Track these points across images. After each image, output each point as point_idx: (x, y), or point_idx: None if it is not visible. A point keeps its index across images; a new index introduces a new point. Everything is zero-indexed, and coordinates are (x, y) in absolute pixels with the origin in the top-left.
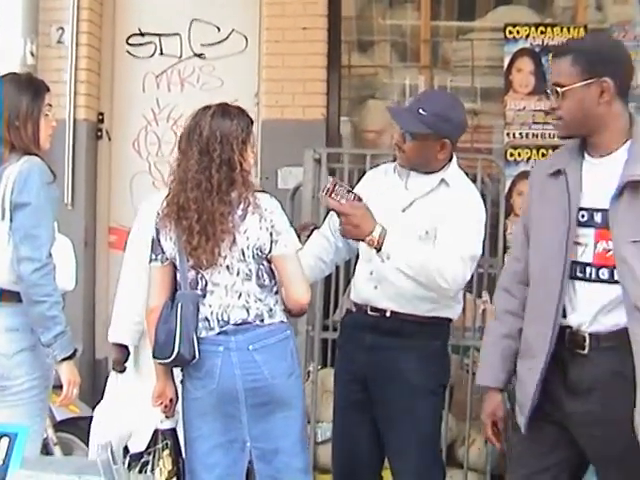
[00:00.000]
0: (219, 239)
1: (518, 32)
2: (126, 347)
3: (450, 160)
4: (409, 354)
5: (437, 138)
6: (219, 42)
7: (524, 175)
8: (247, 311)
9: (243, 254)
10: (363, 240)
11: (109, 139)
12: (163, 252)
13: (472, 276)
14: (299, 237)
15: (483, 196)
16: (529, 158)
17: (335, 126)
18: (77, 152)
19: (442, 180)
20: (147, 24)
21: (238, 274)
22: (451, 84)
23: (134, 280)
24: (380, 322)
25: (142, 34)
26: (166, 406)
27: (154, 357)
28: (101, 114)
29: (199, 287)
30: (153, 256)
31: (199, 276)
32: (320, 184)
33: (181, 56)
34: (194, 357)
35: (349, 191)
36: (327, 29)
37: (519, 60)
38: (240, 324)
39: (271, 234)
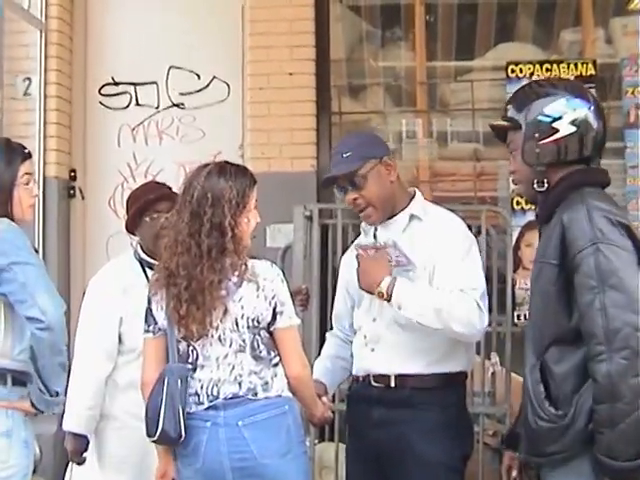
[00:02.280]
0: (210, 308)
1: (521, 70)
2: (85, 436)
3: (413, 198)
4: (422, 427)
5: (376, 163)
6: (199, 90)
7: (532, 225)
8: (239, 385)
9: (237, 324)
10: (372, 292)
11: (82, 197)
12: (156, 322)
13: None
14: (293, 302)
15: (489, 248)
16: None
17: None
18: (48, 212)
19: (411, 216)
20: (121, 72)
21: (231, 345)
22: (451, 128)
23: (85, 363)
24: (386, 394)
25: (116, 83)
26: None
27: (147, 436)
28: (73, 171)
29: (190, 360)
30: (146, 327)
31: (190, 348)
32: (312, 242)
33: (158, 106)
34: (180, 436)
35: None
36: (315, 74)
37: None
38: (230, 398)
39: (275, 305)
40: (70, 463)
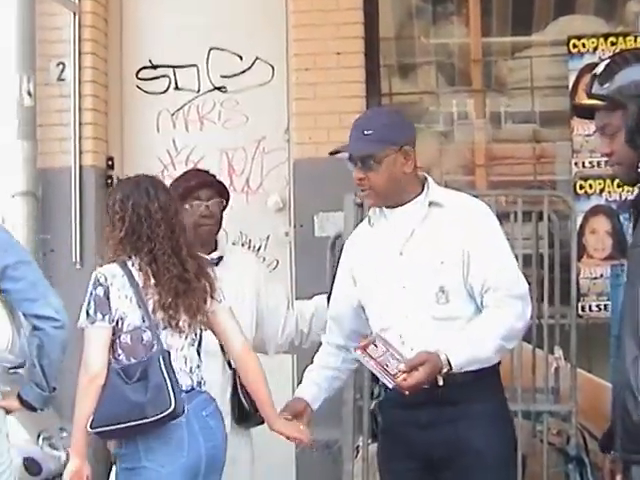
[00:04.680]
0: (194, 302)
1: (584, 45)
2: None
3: (425, 183)
4: (474, 422)
5: (396, 150)
6: (242, 72)
7: (597, 210)
8: (191, 378)
9: (195, 320)
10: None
11: None
12: (111, 312)
13: (542, 329)
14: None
15: (551, 236)
16: (602, 190)
17: None
18: (85, 203)
19: (431, 203)
20: (159, 55)
21: (186, 338)
22: (507, 109)
23: None
24: (433, 393)
25: (154, 66)
26: None
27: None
28: (110, 159)
29: (154, 349)
30: (99, 316)
31: (154, 337)
32: None
33: (199, 90)
34: (183, 411)
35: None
36: (364, 53)
37: (586, 77)
38: (189, 390)
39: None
40: (114, 466)
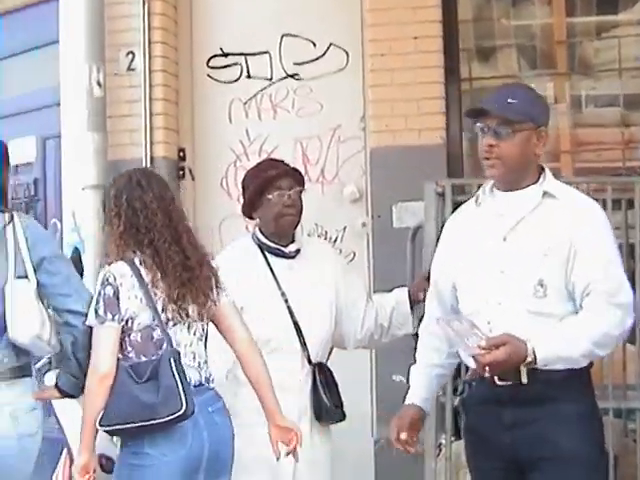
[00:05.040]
0: (200, 291)
1: None
2: None
3: (542, 172)
4: (560, 423)
5: (533, 128)
6: (315, 59)
7: None
8: (199, 373)
9: (204, 312)
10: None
11: (192, 178)
12: (120, 312)
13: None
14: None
15: None
16: None
17: (457, 151)
18: None
19: (545, 193)
20: (230, 42)
21: (195, 333)
22: (593, 92)
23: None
24: (517, 391)
25: (225, 54)
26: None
27: (124, 423)
28: (182, 150)
29: (163, 346)
30: (109, 316)
31: (165, 335)
32: (444, 221)
33: (272, 78)
34: (193, 412)
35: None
36: (442, 36)
37: None
38: (197, 385)
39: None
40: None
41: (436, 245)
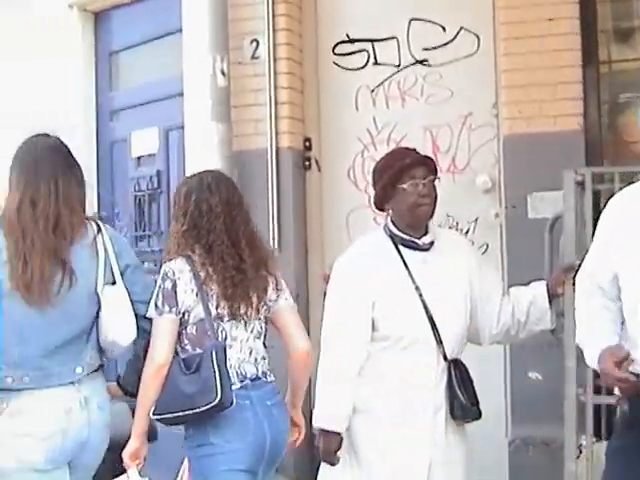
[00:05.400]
0: (252, 292)
1: None
2: (338, 433)
3: None
4: None
5: None
6: (445, 44)
7: None
8: (256, 368)
9: (258, 311)
10: None
11: (319, 169)
12: (177, 304)
13: None
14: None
15: None
16: None
17: (596, 138)
18: (282, 187)
19: None
20: (356, 28)
21: (252, 331)
22: None
23: (337, 353)
24: None
25: (351, 41)
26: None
27: (170, 413)
28: (308, 140)
29: (219, 339)
30: (167, 308)
31: (220, 329)
32: (584, 211)
33: (400, 64)
34: (231, 404)
35: None
36: (579, 18)
37: None
38: (254, 379)
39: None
40: (322, 463)
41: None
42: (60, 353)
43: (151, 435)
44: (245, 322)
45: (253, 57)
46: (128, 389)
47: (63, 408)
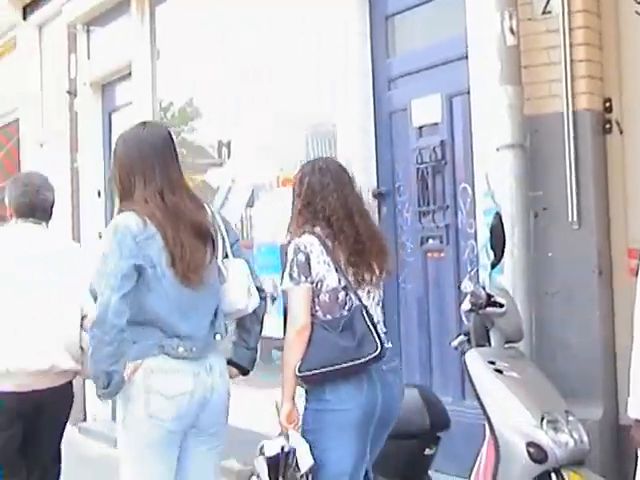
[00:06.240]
0: (372, 260)
1: None
2: None
3: None
4: None
5: None
6: None
7: None
8: None
9: (379, 279)
10: None
11: (620, 132)
12: (311, 274)
13: None
14: None
15: None
16: None
17: None
18: (580, 154)
19: None
20: None
21: (374, 298)
22: None
23: None
24: None
25: None
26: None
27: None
28: (608, 101)
29: (346, 307)
30: (303, 278)
31: (347, 297)
32: None
33: None
34: (384, 355)
35: None
36: None
37: None
38: None
39: None
40: None
41: None
42: (209, 324)
43: (444, 424)
44: (368, 290)
45: (544, 12)
46: (243, 365)
47: (192, 372)
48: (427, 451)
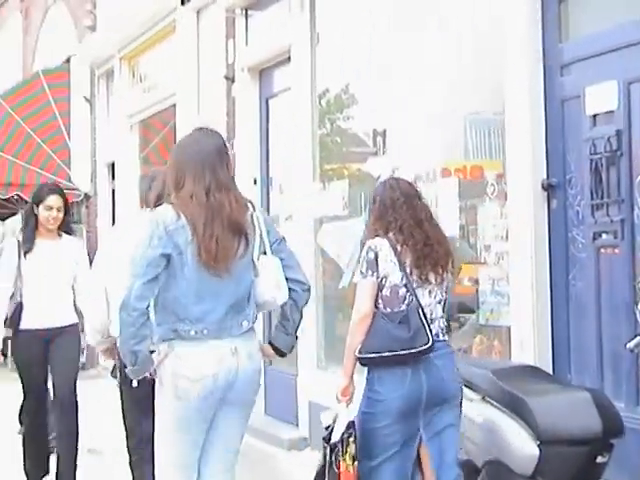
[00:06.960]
0: (438, 263)
1: None
2: None
3: None
4: None
5: None
6: None
7: None
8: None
9: (443, 280)
10: None
11: None
12: (378, 270)
13: None
14: None
15: None
16: None
17: None
18: None
19: None
20: None
21: (435, 297)
22: None
23: None
24: None
25: None
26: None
27: (382, 352)
28: None
29: (405, 302)
30: (370, 273)
31: (407, 293)
32: None
33: None
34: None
35: None
36: None
37: None
38: None
39: None
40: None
41: None
42: (232, 311)
43: (618, 430)
44: (430, 290)
45: None
46: (280, 347)
47: (215, 356)
48: (599, 459)
